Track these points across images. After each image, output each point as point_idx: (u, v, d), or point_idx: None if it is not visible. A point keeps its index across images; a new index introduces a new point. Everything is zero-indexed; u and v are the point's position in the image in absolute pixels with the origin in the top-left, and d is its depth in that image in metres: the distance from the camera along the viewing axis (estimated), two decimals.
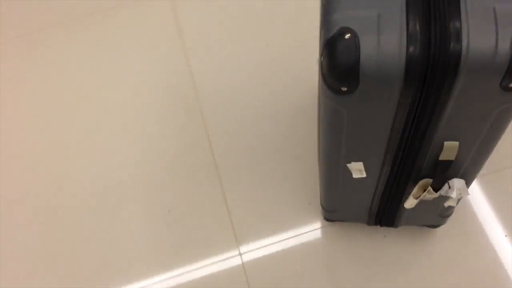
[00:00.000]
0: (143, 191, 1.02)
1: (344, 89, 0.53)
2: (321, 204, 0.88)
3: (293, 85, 1.10)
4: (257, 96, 1.10)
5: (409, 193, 0.73)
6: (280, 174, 1.00)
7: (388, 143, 0.62)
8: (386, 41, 0.50)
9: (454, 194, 0.64)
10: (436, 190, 0.67)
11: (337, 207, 0.84)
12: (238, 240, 0.95)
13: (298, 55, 1.13)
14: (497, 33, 0.48)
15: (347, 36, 0.50)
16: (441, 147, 0.61)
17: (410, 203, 0.71)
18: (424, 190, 0.69)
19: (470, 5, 0.50)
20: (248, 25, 1.19)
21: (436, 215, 0.82)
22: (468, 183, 0.69)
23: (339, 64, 0.51)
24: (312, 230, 0.94)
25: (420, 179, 0.69)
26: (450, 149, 0.61)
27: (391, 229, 0.90)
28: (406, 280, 0.88)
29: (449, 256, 0.89)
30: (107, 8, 1.26)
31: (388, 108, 0.55)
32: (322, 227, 0.94)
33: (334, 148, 0.66)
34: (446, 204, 0.68)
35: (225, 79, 1.13)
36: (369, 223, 0.87)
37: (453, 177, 0.67)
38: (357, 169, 0.69)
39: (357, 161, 0.67)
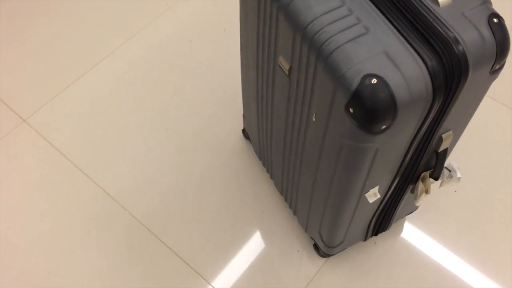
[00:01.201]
0: None
1: (384, 127, 0.56)
2: (323, 243, 0.88)
3: (215, 157, 1.08)
4: (185, 180, 1.04)
5: (407, 194, 0.78)
6: (256, 240, 0.98)
7: (404, 157, 0.66)
8: (407, 68, 0.54)
9: (459, 174, 0.72)
10: (436, 178, 0.74)
11: (344, 238, 0.86)
12: None
13: (201, 130, 1.11)
14: (477, 29, 0.56)
15: (374, 80, 0.53)
16: (439, 140, 0.68)
17: (421, 199, 0.76)
18: (421, 181, 0.75)
19: (444, 15, 0.57)
20: (134, 116, 1.12)
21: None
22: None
23: (378, 106, 0.54)
24: (315, 274, 0.94)
25: (419, 175, 0.74)
26: (447, 139, 0.68)
27: (379, 235, 0.96)
28: (411, 261, 0.95)
29: (435, 228, 0.98)
30: None
31: (413, 127, 0.60)
32: (322, 266, 0.94)
33: (357, 186, 0.68)
34: (453, 185, 0.75)
35: (143, 178, 1.05)
36: (366, 238, 0.91)
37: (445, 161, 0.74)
38: (373, 194, 0.72)
39: (374, 187, 0.70)
